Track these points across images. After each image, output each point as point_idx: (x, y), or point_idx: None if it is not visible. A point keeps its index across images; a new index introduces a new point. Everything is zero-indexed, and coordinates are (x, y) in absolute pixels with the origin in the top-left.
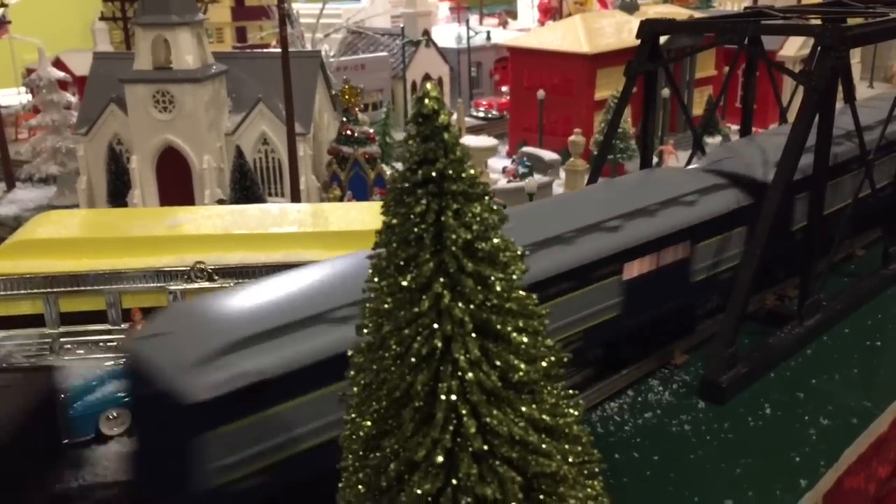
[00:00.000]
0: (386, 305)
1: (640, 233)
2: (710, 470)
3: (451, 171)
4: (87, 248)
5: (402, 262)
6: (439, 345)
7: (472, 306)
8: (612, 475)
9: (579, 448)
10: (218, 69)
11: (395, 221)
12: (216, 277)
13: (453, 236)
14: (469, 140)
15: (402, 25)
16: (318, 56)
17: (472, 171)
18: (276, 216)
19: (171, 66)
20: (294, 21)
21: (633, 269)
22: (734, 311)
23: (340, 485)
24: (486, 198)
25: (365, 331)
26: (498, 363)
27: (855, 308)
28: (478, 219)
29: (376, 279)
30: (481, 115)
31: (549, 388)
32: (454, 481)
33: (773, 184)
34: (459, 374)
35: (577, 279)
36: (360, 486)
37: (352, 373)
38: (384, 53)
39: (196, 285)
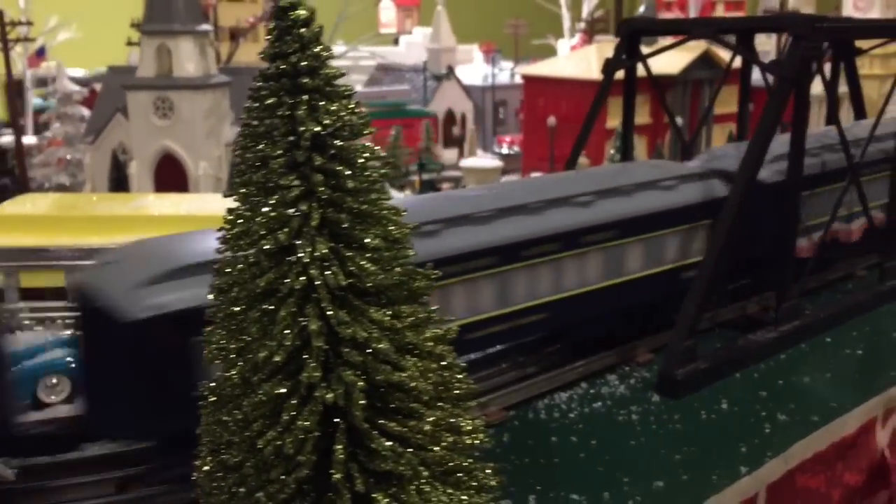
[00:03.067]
0: (241, 206)
1: None
2: (646, 455)
3: (305, 65)
4: (51, 225)
5: (258, 162)
6: (283, 239)
7: (323, 207)
8: (544, 456)
9: (446, 373)
10: (220, 80)
11: (248, 119)
12: None
13: (301, 128)
14: (470, 161)
15: (425, 60)
16: None
17: (331, 70)
18: None
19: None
20: None
21: None
22: (692, 302)
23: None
24: (347, 99)
25: (227, 234)
26: (350, 266)
27: (842, 320)
28: (333, 117)
29: (235, 180)
30: (504, 151)
31: (410, 302)
32: (302, 390)
33: (738, 178)
34: (307, 273)
35: None
36: (211, 397)
37: (215, 281)
38: (406, 87)
39: None
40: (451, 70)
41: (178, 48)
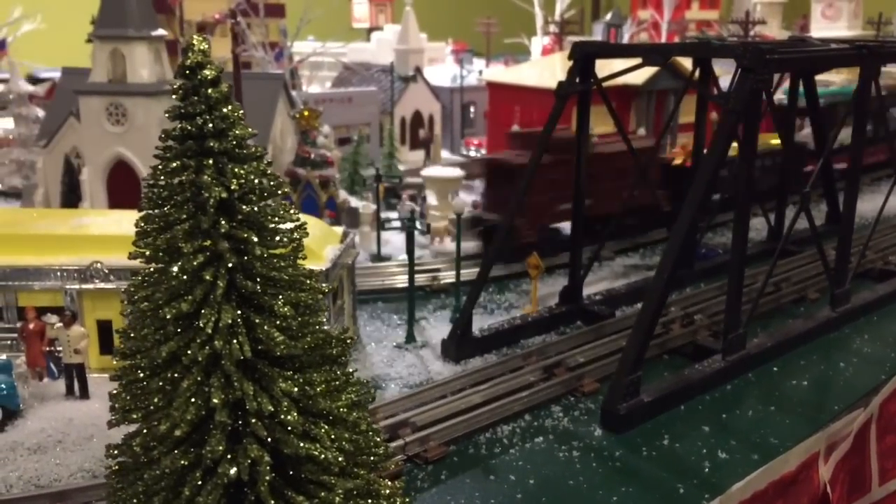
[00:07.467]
0: (149, 269)
1: None
2: (584, 497)
3: (212, 127)
4: None
5: (162, 224)
6: (185, 309)
7: (232, 273)
8: (481, 497)
9: (361, 438)
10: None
11: (153, 179)
12: (112, 277)
13: (206, 194)
14: (431, 170)
15: (392, 62)
16: (281, 78)
17: (239, 132)
18: None
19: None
20: (249, 41)
21: None
22: (637, 337)
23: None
24: (257, 161)
25: (134, 297)
26: (259, 334)
27: (789, 348)
28: (242, 180)
29: (140, 242)
30: (472, 153)
31: (323, 368)
32: (205, 463)
33: (686, 206)
34: (211, 343)
35: None
36: (114, 465)
37: (119, 344)
38: (373, 88)
39: (91, 285)
40: (418, 71)
41: (132, 54)
